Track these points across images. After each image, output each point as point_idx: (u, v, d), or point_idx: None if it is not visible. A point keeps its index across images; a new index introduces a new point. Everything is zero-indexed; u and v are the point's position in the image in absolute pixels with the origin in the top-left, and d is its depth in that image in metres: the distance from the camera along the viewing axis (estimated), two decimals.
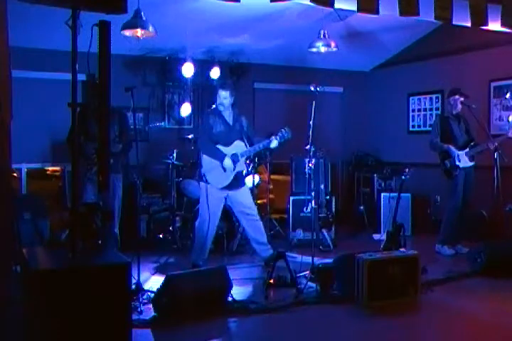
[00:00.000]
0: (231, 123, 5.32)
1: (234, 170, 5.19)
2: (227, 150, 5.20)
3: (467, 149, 6.00)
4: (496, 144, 5.76)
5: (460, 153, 5.96)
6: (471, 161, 6.01)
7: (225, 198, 5.32)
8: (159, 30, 5.22)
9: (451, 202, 6.04)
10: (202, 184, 5.33)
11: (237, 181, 5.27)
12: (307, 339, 3.70)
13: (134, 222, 5.10)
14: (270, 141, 5.09)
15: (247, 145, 5.25)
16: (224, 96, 5.22)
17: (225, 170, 5.19)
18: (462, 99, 6.01)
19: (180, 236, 6.28)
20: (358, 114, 8.62)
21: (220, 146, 5.21)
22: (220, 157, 5.16)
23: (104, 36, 3.02)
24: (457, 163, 5.95)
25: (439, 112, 7.44)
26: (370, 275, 4.09)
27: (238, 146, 5.22)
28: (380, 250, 4.99)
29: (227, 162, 5.16)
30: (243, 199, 5.34)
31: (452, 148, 5.96)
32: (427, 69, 7.77)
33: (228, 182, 5.20)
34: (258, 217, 5.43)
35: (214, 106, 5.44)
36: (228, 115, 5.32)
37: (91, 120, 4.82)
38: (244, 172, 5.32)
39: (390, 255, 4.37)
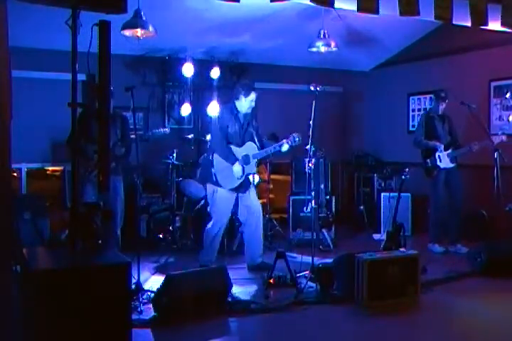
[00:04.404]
0: (244, 124, 5.30)
1: (243, 173, 5.14)
2: (239, 150, 5.19)
3: (449, 150, 6.03)
4: (478, 147, 5.81)
5: (442, 154, 5.99)
6: (452, 163, 6.06)
7: (236, 199, 5.26)
8: (159, 30, 5.22)
9: (432, 201, 6.13)
10: (209, 185, 5.29)
11: (246, 183, 5.23)
12: (307, 339, 3.70)
13: (134, 221, 5.10)
14: (282, 145, 5.06)
15: (259, 148, 5.23)
16: (254, 99, 5.21)
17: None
18: (444, 105, 6.14)
19: (180, 236, 6.28)
20: (357, 113, 8.61)
21: (232, 146, 5.19)
22: (232, 160, 5.13)
23: (104, 36, 3.02)
24: (438, 163, 6.00)
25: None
26: (370, 275, 4.09)
27: (250, 147, 5.20)
28: (380, 250, 4.99)
29: (237, 168, 5.11)
30: (250, 202, 5.29)
31: (438, 143, 6.02)
32: (427, 69, 7.76)
33: (238, 184, 5.17)
34: (259, 222, 5.31)
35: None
36: (243, 116, 5.31)
37: (92, 121, 4.81)
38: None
39: (390, 255, 4.37)
